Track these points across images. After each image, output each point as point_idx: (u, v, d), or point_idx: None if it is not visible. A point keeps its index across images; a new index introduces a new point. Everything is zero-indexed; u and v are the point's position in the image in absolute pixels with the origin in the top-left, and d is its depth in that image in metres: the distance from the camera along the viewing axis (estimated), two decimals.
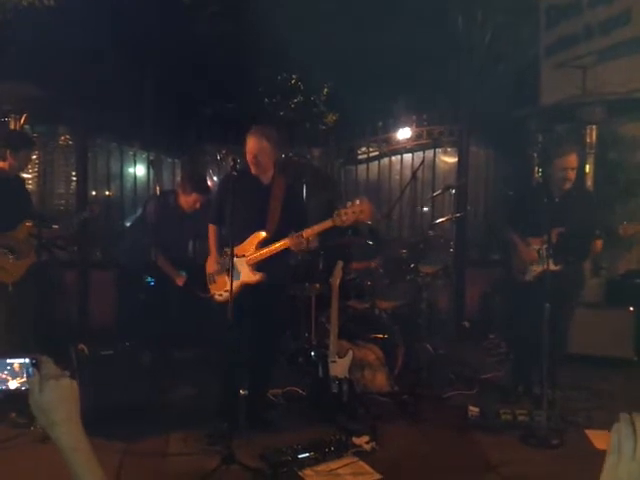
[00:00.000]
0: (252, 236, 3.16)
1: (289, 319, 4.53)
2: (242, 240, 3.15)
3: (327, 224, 3.05)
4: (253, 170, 3.19)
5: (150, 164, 5.75)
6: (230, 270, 2.86)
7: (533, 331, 3.43)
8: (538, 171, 5.83)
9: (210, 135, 6.37)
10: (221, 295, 3.26)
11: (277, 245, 3.11)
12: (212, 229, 3.37)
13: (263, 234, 3.15)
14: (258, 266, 3.16)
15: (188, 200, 4.02)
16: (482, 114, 5.96)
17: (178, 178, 5.96)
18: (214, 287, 3.33)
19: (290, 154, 6.10)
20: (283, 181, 3.30)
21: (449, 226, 5.53)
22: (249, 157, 3.17)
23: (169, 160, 6.19)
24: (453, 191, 4.74)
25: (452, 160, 6.34)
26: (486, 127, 6.14)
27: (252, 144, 3.16)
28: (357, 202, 2.98)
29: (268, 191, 3.24)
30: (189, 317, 4.10)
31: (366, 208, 3.01)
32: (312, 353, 3.82)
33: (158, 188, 4.25)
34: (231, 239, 2.92)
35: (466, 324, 5.69)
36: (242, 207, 3.02)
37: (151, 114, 6.30)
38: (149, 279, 4.16)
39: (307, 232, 3.07)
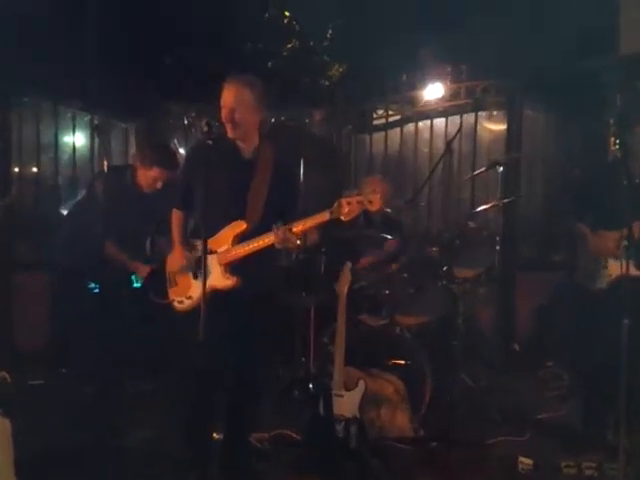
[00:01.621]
0: (228, 227, 3.14)
1: (279, 339, 4.54)
2: (215, 231, 3.14)
3: (322, 217, 3.03)
4: (230, 133, 3.15)
5: (95, 130, 5.74)
6: (204, 271, 2.84)
7: (606, 357, 3.43)
8: (615, 142, 5.82)
9: (175, 92, 6.37)
10: (182, 302, 3.27)
11: (258, 242, 3.09)
12: (176, 215, 3.38)
13: (242, 225, 3.13)
14: (233, 267, 3.14)
15: (148, 176, 4.04)
16: (540, 66, 5.95)
17: (133, 149, 5.96)
18: (174, 291, 3.33)
19: (282, 118, 6.11)
20: (271, 153, 3.28)
21: (495, 216, 5.53)
22: (224, 114, 3.13)
23: (121, 125, 6.19)
24: (501, 169, 4.72)
25: (500, 127, 6.33)
26: (546, 84, 6.13)
27: (229, 96, 3.12)
28: (365, 188, 2.99)
29: (250, 167, 3.21)
30: (146, 336, 4.10)
31: (377, 196, 2.99)
32: (310, 384, 3.82)
33: (106, 163, 4.24)
34: (203, 229, 2.91)
35: (516, 347, 5.70)
36: (216, 188, 3.02)
37: (96, 63, 6.30)
38: (92, 285, 4.17)
39: (297, 226, 3.05)
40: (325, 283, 4.29)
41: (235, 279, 3.12)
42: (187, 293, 3.24)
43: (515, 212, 5.92)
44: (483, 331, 5.55)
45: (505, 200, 4.72)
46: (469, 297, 4.62)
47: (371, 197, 2.97)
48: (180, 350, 3.34)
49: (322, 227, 4.52)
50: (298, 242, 4.39)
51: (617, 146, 5.64)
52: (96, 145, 5.86)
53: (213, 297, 3.00)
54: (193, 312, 3.13)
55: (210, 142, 2.93)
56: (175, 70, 8.05)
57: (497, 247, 4.56)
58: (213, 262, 3.13)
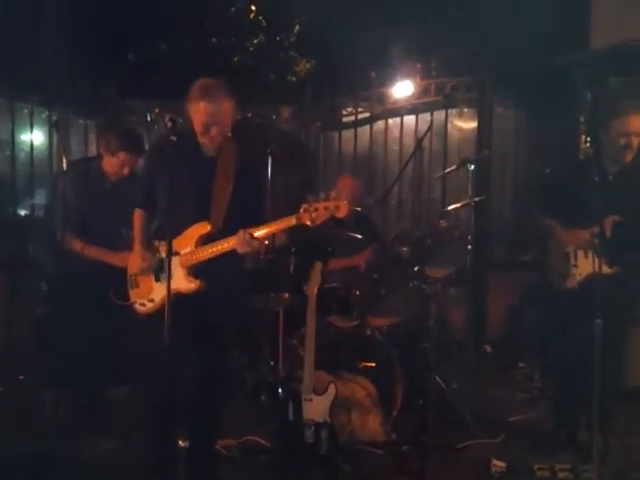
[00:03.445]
0: (191, 228, 3.11)
1: (246, 342, 4.52)
2: (178, 232, 3.10)
3: (288, 222, 3.01)
4: (208, 144, 3.12)
5: (53, 126, 5.64)
6: (168, 273, 2.82)
7: (578, 357, 3.46)
8: (586, 140, 5.89)
9: (137, 87, 6.29)
10: (144, 305, 3.25)
11: (222, 245, 3.07)
12: (138, 215, 3.34)
13: (206, 226, 3.11)
14: (196, 269, 3.12)
15: (113, 163, 3.96)
16: (511, 63, 6.00)
17: (92, 146, 5.88)
18: (135, 293, 3.32)
19: (249, 115, 6.07)
20: (234, 151, 3.24)
21: (466, 215, 5.53)
22: (211, 130, 3.07)
23: (79, 121, 6.11)
24: (471, 167, 4.72)
25: (470, 125, 6.37)
26: (516, 80, 6.19)
27: (212, 110, 3.05)
28: (336, 187, 2.99)
29: (213, 165, 3.18)
30: (107, 339, 4.03)
31: (344, 202, 2.97)
32: (279, 389, 3.80)
33: (64, 159, 4.16)
34: (167, 230, 2.89)
35: (487, 348, 5.74)
36: (178, 186, 2.98)
37: (54, 57, 6.20)
38: (47, 286, 4.10)
39: (260, 232, 3.03)
40: (294, 284, 4.28)
41: (198, 282, 3.10)
42: (149, 296, 3.23)
43: (486, 211, 5.96)
44: (455, 332, 5.57)
45: (476, 199, 4.73)
46: (441, 298, 4.61)
47: (339, 203, 2.95)
48: (143, 354, 3.29)
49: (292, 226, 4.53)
50: (266, 242, 4.42)
51: (588, 143, 5.73)
52: (54, 142, 5.76)
53: (176, 300, 2.94)
54: (155, 315, 3.11)
55: (174, 138, 2.90)
56: (138, 65, 7.97)
57: (469, 247, 4.56)
58: (175, 264, 3.07)
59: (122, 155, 3.94)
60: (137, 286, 3.31)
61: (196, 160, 3.16)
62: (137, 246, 3.31)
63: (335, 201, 2.97)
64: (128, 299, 3.36)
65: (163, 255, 3.15)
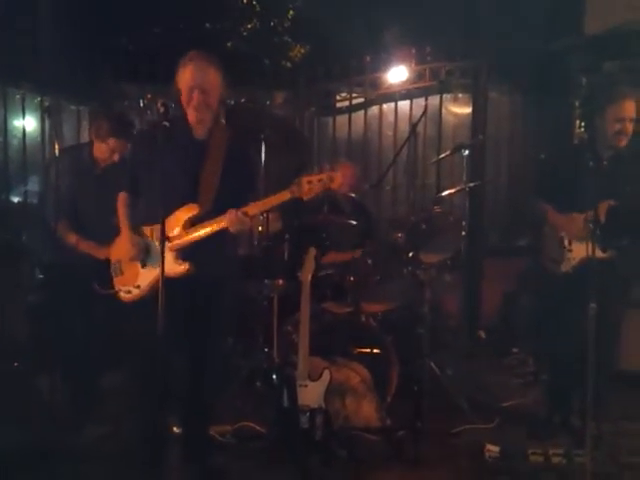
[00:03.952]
0: (179, 211, 3.07)
1: (241, 328, 4.51)
2: (166, 215, 3.01)
3: (282, 197, 3.00)
4: (194, 116, 3.08)
5: (45, 112, 5.61)
6: (162, 255, 2.75)
7: (572, 342, 3.48)
8: (580, 125, 5.89)
9: (130, 73, 6.26)
10: (129, 292, 3.20)
11: (211, 225, 3.04)
12: (123, 198, 3.29)
13: (194, 208, 3.06)
14: (185, 252, 3.07)
15: (104, 149, 3.93)
16: (505, 48, 5.98)
17: (85, 132, 5.85)
18: (120, 280, 3.26)
19: (242, 100, 6.04)
20: (224, 134, 3.22)
21: (461, 200, 5.53)
22: (194, 95, 3.04)
23: (72, 107, 6.07)
24: (466, 152, 4.72)
25: (465, 110, 6.37)
26: (511, 66, 6.17)
27: (197, 76, 3.04)
28: (327, 167, 2.98)
29: (203, 148, 3.15)
30: (96, 327, 4.02)
31: (341, 174, 3.01)
32: (274, 375, 3.80)
33: (57, 146, 4.14)
34: (162, 212, 2.82)
35: (482, 334, 5.76)
36: (167, 170, 2.94)
37: (46, 42, 6.15)
38: (41, 273, 4.09)
39: (251, 208, 3.01)
40: (289, 271, 4.27)
41: (187, 265, 3.05)
42: (135, 282, 3.17)
43: (481, 196, 5.96)
44: (449, 318, 5.58)
45: (471, 184, 4.73)
46: (435, 284, 4.62)
47: (332, 175, 2.96)
48: (133, 341, 3.27)
49: (285, 213, 4.53)
50: (260, 228, 4.40)
51: (583, 128, 5.72)
52: (46, 128, 5.73)
53: (165, 285, 2.84)
54: (142, 302, 3.10)
55: (166, 124, 2.83)
56: (131, 50, 7.92)
57: (463, 232, 4.57)
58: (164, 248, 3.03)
59: (112, 141, 3.90)
60: (122, 273, 3.26)
61: (186, 143, 3.13)
62: (125, 232, 3.23)
63: (328, 173, 2.98)
64: (112, 287, 3.29)
65: (149, 240, 3.13)
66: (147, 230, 3.17)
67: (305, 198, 2.97)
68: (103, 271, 3.37)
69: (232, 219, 2.98)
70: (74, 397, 3.97)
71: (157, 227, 3.00)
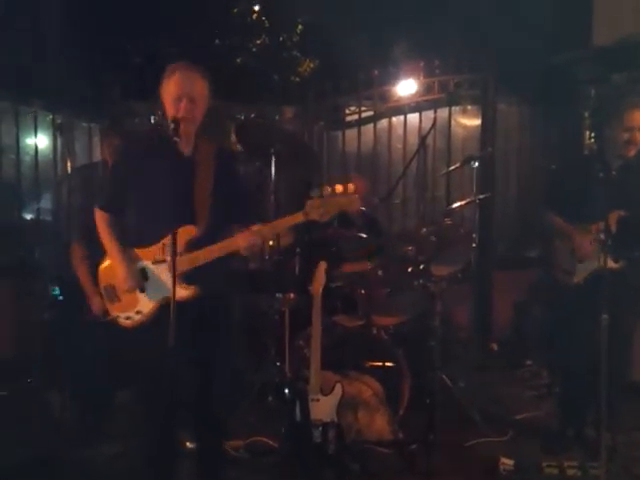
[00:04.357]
0: (177, 233, 2.83)
1: (251, 343, 4.52)
2: (158, 237, 2.96)
3: (295, 219, 2.94)
4: (182, 127, 2.90)
5: (57, 130, 5.66)
6: (173, 274, 2.68)
7: (584, 353, 3.46)
8: (590, 136, 5.88)
9: (140, 90, 6.29)
10: (129, 318, 3.05)
11: (219, 249, 2.94)
12: (102, 218, 3.11)
13: (192, 230, 2.94)
14: (189, 276, 2.94)
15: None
16: (514, 60, 5.99)
17: (97, 149, 5.88)
18: (117, 307, 3.10)
19: (252, 115, 6.07)
20: (210, 149, 3.11)
21: (471, 212, 5.53)
22: (182, 105, 2.91)
23: (83, 124, 6.11)
24: (476, 164, 4.72)
25: (474, 122, 6.36)
26: (519, 77, 6.18)
27: (184, 83, 2.93)
28: (340, 187, 2.91)
29: (191, 165, 3.02)
30: (109, 345, 4.04)
31: (355, 196, 2.90)
32: (286, 389, 3.79)
33: (69, 163, 4.18)
34: (173, 237, 2.70)
35: (494, 347, 5.74)
36: (157, 188, 2.91)
37: (57, 60, 6.21)
38: (56, 290, 4.09)
39: (263, 229, 2.94)
40: (300, 285, 4.27)
41: (193, 288, 2.94)
42: (134, 308, 3.02)
43: (491, 208, 5.96)
44: (461, 331, 5.57)
45: (481, 196, 4.73)
46: (446, 296, 4.61)
47: (351, 198, 2.90)
48: (141, 362, 3.23)
49: (296, 227, 4.54)
50: (271, 242, 4.40)
51: (592, 139, 5.72)
52: (59, 145, 5.76)
53: (167, 309, 2.75)
54: (146, 326, 3.01)
55: (177, 139, 2.82)
56: (141, 67, 7.97)
57: (474, 244, 4.56)
58: (164, 272, 2.95)
59: None
60: (118, 300, 3.08)
61: (173, 160, 2.93)
62: (118, 257, 3.04)
63: (346, 195, 2.91)
64: (107, 314, 3.16)
65: (144, 263, 2.99)
66: (140, 253, 3.02)
67: (320, 220, 2.90)
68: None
69: (244, 242, 2.92)
70: (86, 414, 3.98)
71: (152, 249, 2.96)
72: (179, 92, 2.92)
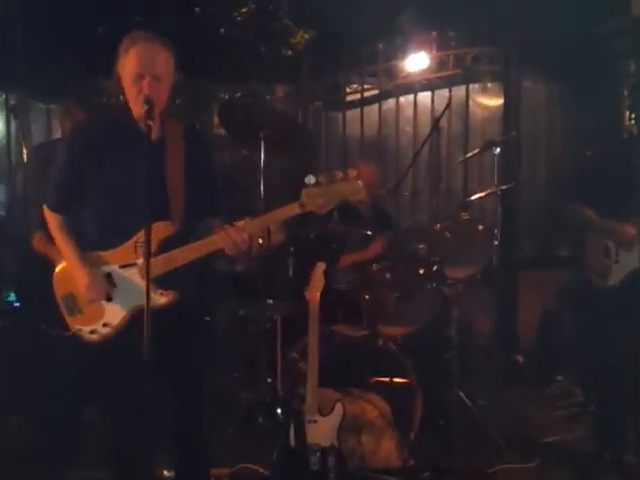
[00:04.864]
0: (151, 230, 2.79)
1: (238, 356, 4.54)
2: (126, 236, 2.93)
3: (288, 211, 2.89)
4: (139, 110, 2.86)
5: (11, 112, 5.67)
6: (147, 282, 2.63)
7: (623, 367, 3.48)
8: (630, 117, 5.91)
9: (108, 65, 6.31)
10: (95, 332, 3.00)
11: (199, 248, 2.91)
12: (54, 220, 3.08)
13: (168, 227, 2.92)
14: (165, 280, 2.90)
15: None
16: (541, 30, 6.01)
17: (57, 133, 5.91)
18: (79, 319, 3.04)
19: (238, 94, 6.09)
20: (177, 131, 3.08)
21: (492, 205, 5.56)
22: (144, 84, 2.85)
23: (40, 106, 6.12)
24: (497, 150, 4.75)
25: (495, 102, 6.39)
26: (548, 50, 6.20)
27: (145, 58, 2.87)
28: (340, 173, 2.88)
29: (160, 150, 2.99)
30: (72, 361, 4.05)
31: (359, 183, 2.88)
32: (278, 409, 3.81)
33: (25, 149, 4.21)
34: (147, 230, 2.68)
35: (519, 359, 5.76)
36: (118, 180, 2.90)
37: (12, 34, 6.22)
38: (10, 296, 4.11)
39: (250, 225, 2.90)
40: (294, 289, 4.30)
41: (172, 294, 2.93)
42: (100, 320, 2.97)
43: (515, 201, 5.99)
44: (480, 341, 5.59)
45: (503, 187, 4.75)
46: (463, 302, 4.63)
47: (354, 185, 2.85)
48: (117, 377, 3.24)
49: (289, 223, 4.55)
50: (260, 240, 4.42)
51: (632, 120, 5.74)
52: (12, 129, 5.78)
53: (139, 319, 2.72)
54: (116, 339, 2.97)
55: (150, 123, 2.78)
56: (109, 40, 7.97)
57: (495, 242, 4.58)
58: (135, 277, 2.93)
59: None
60: (80, 312, 3.03)
61: (138, 146, 2.83)
62: (75, 261, 3.00)
63: (348, 182, 2.85)
64: (67, 328, 3.07)
65: (111, 267, 2.95)
66: (104, 256, 2.97)
67: (319, 212, 2.86)
68: (48, 307, 3.16)
69: (229, 240, 2.86)
70: (47, 440, 4.01)
71: (118, 251, 2.93)
72: (140, 69, 2.86)
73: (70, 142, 3.14)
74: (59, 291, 3.10)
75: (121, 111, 3.02)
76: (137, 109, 2.89)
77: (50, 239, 3.68)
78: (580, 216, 3.90)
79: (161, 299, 2.90)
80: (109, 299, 2.96)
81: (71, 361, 3.73)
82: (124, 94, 2.97)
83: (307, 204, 2.85)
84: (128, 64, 2.89)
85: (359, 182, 2.87)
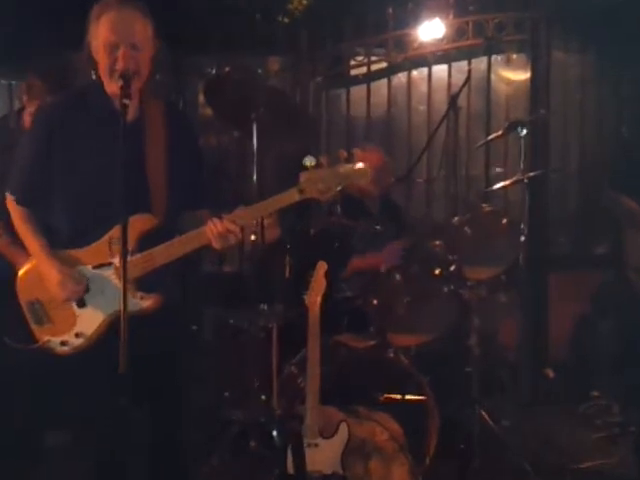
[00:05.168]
0: (128, 224, 2.75)
1: (228, 371, 4.53)
2: (100, 233, 2.93)
3: (287, 198, 2.91)
4: (113, 87, 2.85)
5: None
6: (123, 284, 2.59)
7: None
8: None
9: (78, 36, 6.30)
10: (67, 343, 2.99)
11: (184, 244, 2.93)
12: (19, 212, 3.07)
13: (150, 220, 2.93)
14: (146, 282, 2.92)
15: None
16: None
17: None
18: (48, 329, 3.02)
19: (227, 69, 6.07)
20: (159, 111, 3.08)
21: (518, 196, 5.56)
22: (120, 54, 2.82)
23: (2, 82, 6.12)
24: (524, 132, 4.74)
25: (521, 76, 6.37)
26: (579, 16, 6.18)
27: (120, 25, 2.85)
28: (344, 153, 2.88)
29: (139, 133, 2.98)
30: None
31: (366, 166, 2.92)
32: (274, 431, 3.81)
33: None
34: (123, 226, 2.63)
35: (550, 373, 5.76)
36: (91, 167, 2.90)
37: None
38: None
39: (243, 215, 2.92)
40: (291, 292, 4.29)
41: (154, 298, 2.94)
42: (72, 329, 2.97)
43: (545, 190, 5.99)
44: (505, 353, 5.59)
45: (531, 174, 4.75)
46: (486, 307, 4.63)
47: (359, 167, 2.90)
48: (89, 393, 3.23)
49: (285, 216, 4.55)
50: (252, 237, 4.42)
51: None
52: None
53: (115, 327, 2.69)
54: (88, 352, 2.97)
55: (126, 102, 2.74)
56: (78, 7, 7.96)
57: (522, 238, 4.58)
58: (111, 279, 2.93)
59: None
60: (50, 320, 3.01)
61: (113, 128, 2.73)
62: (44, 260, 2.99)
63: (353, 163, 2.90)
64: (34, 339, 3.04)
65: (83, 269, 2.95)
66: (75, 255, 2.97)
67: (322, 199, 2.92)
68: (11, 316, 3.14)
69: (216, 232, 2.88)
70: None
71: (92, 249, 2.93)
72: (114, 37, 2.85)
73: (35, 125, 3.14)
74: (24, 296, 3.07)
75: (93, 88, 3.01)
76: (111, 86, 2.88)
77: (11, 236, 3.70)
78: (620, 207, 3.90)
79: (142, 303, 2.92)
80: (82, 305, 2.95)
81: (38, 378, 3.73)
82: (96, 69, 2.95)
83: (307, 190, 2.88)
84: (100, 33, 2.88)
85: (366, 165, 2.89)
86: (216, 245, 2.90)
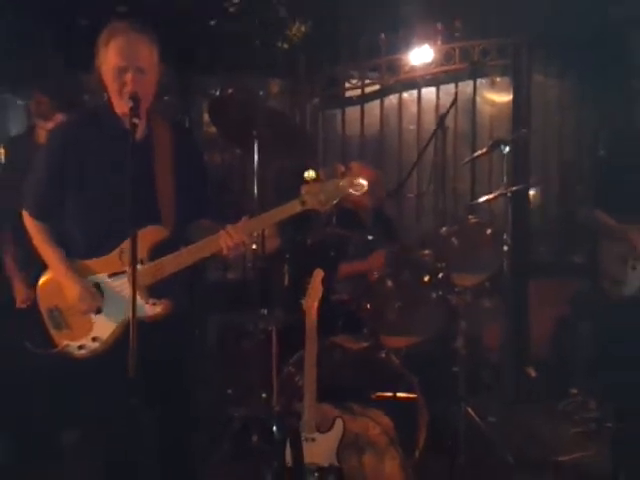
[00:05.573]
0: (140, 235, 2.79)
1: (230, 370, 4.53)
2: (115, 243, 2.94)
3: (289, 209, 2.94)
4: (122, 107, 2.89)
5: None
6: (133, 293, 2.62)
7: None
8: None
9: (89, 59, 6.31)
10: (83, 347, 3.00)
11: (195, 253, 2.93)
12: (36, 228, 3.07)
13: (161, 232, 2.96)
14: (158, 289, 2.94)
15: (49, 128, 3.95)
16: (553, 20, 6.03)
17: None
18: (67, 335, 3.04)
19: (229, 90, 6.10)
20: (165, 129, 3.11)
21: (501, 208, 5.58)
22: (127, 78, 2.85)
23: (18, 103, 6.13)
24: (507, 149, 4.77)
25: (504, 98, 6.40)
26: (560, 42, 6.21)
27: (128, 50, 2.87)
28: (342, 167, 2.92)
29: (148, 150, 3.01)
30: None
31: (362, 179, 2.94)
32: (274, 427, 3.82)
33: (3, 150, 4.22)
34: (132, 237, 2.66)
35: (532, 372, 5.77)
36: (104, 183, 2.92)
37: None
38: None
39: (250, 225, 2.95)
40: (290, 298, 4.30)
41: (165, 304, 2.95)
42: (89, 334, 2.99)
43: (526, 203, 6.02)
44: (489, 353, 5.59)
45: (513, 188, 4.76)
46: (471, 311, 4.64)
47: (356, 181, 2.92)
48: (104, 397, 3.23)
49: (285, 227, 4.56)
50: (254, 247, 4.43)
51: None
52: None
53: (126, 333, 2.67)
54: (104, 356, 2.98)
55: (136, 121, 2.78)
56: (91, 31, 7.98)
57: (505, 247, 4.59)
58: (125, 287, 2.93)
59: (58, 118, 3.96)
60: (68, 326, 3.03)
61: (123, 146, 2.76)
62: (63, 271, 3.00)
63: (350, 178, 2.92)
64: (53, 344, 3.05)
65: (99, 277, 2.97)
66: (91, 265, 2.99)
67: (321, 209, 2.94)
68: (31, 322, 3.16)
69: (229, 240, 2.89)
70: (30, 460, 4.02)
71: (107, 259, 2.94)
72: (122, 62, 2.87)
73: (51, 141, 3.13)
74: (44, 304, 3.07)
75: (104, 108, 3.02)
76: (121, 106, 2.90)
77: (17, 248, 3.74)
78: (595, 221, 3.92)
79: (153, 310, 2.93)
80: (98, 311, 2.96)
81: (56, 380, 3.74)
82: (106, 90, 2.96)
83: (308, 201, 2.90)
84: (109, 57, 2.89)
85: (362, 179, 2.92)
86: (227, 252, 2.92)
